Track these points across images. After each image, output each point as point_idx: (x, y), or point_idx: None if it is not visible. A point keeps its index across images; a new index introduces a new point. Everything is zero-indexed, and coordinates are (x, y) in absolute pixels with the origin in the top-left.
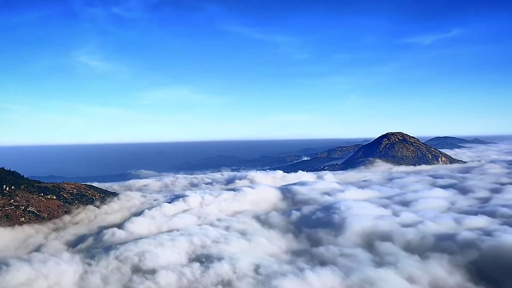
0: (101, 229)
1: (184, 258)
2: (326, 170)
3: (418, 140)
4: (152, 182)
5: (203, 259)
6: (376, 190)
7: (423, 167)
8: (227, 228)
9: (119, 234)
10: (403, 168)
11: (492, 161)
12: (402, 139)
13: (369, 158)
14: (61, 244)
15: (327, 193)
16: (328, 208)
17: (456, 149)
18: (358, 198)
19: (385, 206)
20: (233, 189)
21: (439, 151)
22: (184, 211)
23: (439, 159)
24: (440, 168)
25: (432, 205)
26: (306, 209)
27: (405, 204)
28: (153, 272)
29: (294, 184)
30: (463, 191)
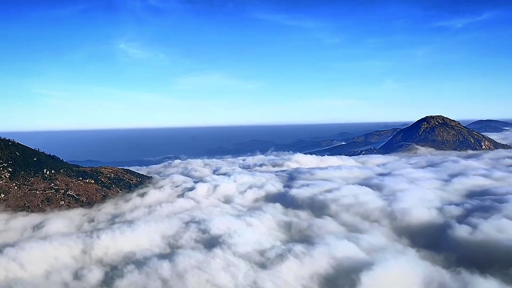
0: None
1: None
2: (363, 154)
3: (459, 123)
4: (185, 166)
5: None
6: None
7: (462, 152)
8: (227, 209)
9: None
10: (442, 152)
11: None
12: (443, 122)
13: (408, 143)
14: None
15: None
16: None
17: (498, 133)
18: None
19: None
20: (250, 173)
21: (481, 135)
22: (199, 194)
23: (482, 144)
24: (480, 153)
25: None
26: (297, 190)
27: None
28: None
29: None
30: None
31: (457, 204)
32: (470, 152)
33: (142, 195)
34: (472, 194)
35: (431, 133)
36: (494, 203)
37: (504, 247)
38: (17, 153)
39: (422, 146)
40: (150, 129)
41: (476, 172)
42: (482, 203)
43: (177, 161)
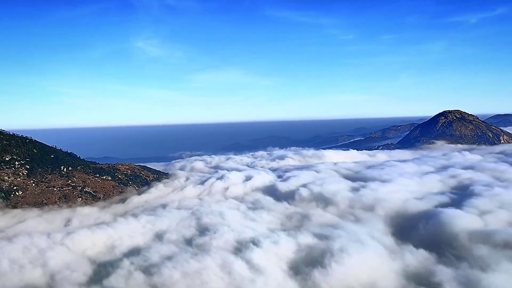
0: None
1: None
2: (380, 149)
3: (478, 118)
4: (201, 163)
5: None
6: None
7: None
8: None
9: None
10: (461, 147)
11: None
12: (460, 117)
13: (426, 138)
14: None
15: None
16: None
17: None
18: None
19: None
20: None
21: (500, 129)
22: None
23: (501, 138)
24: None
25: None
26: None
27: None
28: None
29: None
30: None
31: (434, 196)
32: (489, 146)
33: (154, 191)
34: (455, 187)
35: (448, 127)
36: (466, 196)
37: (458, 235)
38: (34, 150)
39: (439, 141)
40: (167, 125)
41: (472, 166)
42: (457, 196)
43: (191, 158)
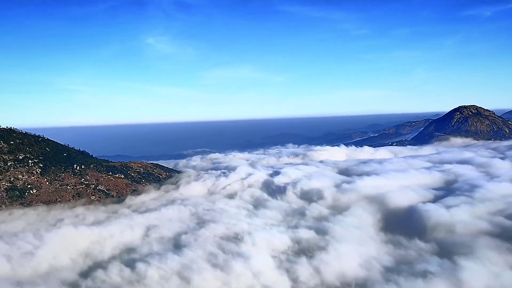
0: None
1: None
2: (394, 146)
3: (494, 113)
4: (210, 161)
5: None
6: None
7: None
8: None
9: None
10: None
11: None
12: (476, 112)
13: (441, 134)
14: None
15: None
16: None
17: None
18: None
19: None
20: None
21: None
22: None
23: None
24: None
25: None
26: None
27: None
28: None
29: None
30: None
31: (422, 190)
32: (504, 142)
33: (164, 189)
34: (444, 182)
35: (464, 123)
36: (452, 191)
37: (442, 226)
38: (47, 148)
39: (455, 137)
40: (178, 123)
41: (462, 161)
42: (443, 191)
43: (201, 156)
